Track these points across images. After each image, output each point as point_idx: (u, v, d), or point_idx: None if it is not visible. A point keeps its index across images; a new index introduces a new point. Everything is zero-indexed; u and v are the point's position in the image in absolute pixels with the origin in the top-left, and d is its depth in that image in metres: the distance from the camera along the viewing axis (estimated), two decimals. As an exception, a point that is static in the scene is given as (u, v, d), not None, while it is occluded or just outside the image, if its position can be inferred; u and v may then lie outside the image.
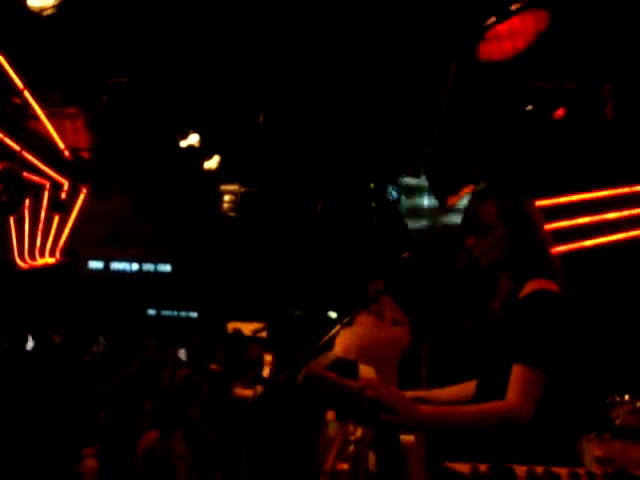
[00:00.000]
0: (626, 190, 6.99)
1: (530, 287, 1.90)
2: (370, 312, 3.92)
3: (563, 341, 1.87)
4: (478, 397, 2.00)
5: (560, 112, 5.56)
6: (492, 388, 1.88)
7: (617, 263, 6.86)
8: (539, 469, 1.24)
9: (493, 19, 3.26)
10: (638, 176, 6.66)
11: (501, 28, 3.38)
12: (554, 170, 6.45)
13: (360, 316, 3.84)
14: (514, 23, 3.36)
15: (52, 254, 10.84)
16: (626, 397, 5.23)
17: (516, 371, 1.81)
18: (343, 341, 3.73)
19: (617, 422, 5.17)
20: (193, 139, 7.67)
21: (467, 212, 2.07)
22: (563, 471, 1.24)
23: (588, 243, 7.11)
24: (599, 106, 5.05)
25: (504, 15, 3.24)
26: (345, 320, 2.37)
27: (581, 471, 1.23)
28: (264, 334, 9.66)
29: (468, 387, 2.13)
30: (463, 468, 1.26)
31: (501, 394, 1.81)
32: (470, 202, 2.10)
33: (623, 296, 6.79)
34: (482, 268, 2.06)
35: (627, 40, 4.55)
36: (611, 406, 5.28)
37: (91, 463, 3.78)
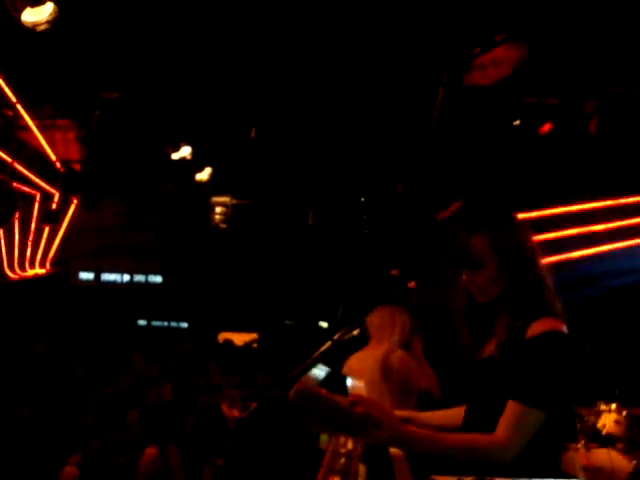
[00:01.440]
0: (613, 202, 7.11)
1: (539, 326, 1.83)
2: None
3: (570, 384, 1.83)
4: (466, 426, 2.00)
5: (546, 127, 5.65)
6: (480, 421, 1.88)
7: (605, 272, 6.96)
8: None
9: (477, 50, 3.37)
10: (624, 189, 6.78)
11: (485, 57, 3.49)
12: (540, 183, 6.56)
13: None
14: (497, 53, 3.47)
15: (42, 265, 10.82)
16: (613, 406, 5.28)
17: (512, 408, 1.77)
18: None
19: (604, 431, 5.22)
20: (185, 151, 7.71)
21: (458, 245, 1.98)
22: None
23: (575, 254, 7.21)
24: (583, 121, 5.16)
25: (488, 45, 3.34)
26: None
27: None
28: (256, 345, 9.70)
29: (455, 413, 2.12)
30: (448, 482, 1.31)
31: (489, 426, 1.79)
32: (460, 233, 1.99)
33: (609, 306, 6.89)
34: (480, 305, 1.99)
35: (610, 57, 4.66)
36: (598, 415, 5.34)
37: (71, 471, 3.77)
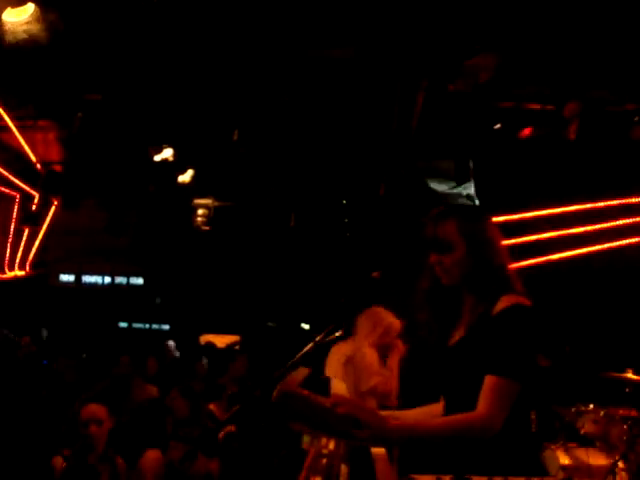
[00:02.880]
0: (591, 206, 7.22)
1: (504, 302, 1.93)
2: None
3: (535, 353, 1.93)
4: (447, 413, 2.02)
5: (526, 131, 5.72)
6: (460, 405, 1.91)
7: (582, 276, 7.06)
8: (498, 479, 1.32)
9: (459, 55, 3.43)
10: (603, 193, 6.88)
11: (466, 64, 3.55)
12: (521, 186, 6.64)
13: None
14: (478, 59, 3.53)
15: (22, 267, 10.70)
16: (591, 406, 5.35)
17: (490, 382, 1.83)
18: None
19: (582, 431, 5.29)
20: (167, 153, 7.68)
21: (428, 230, 2.09)
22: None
23: (554, 257, 7.31)
24: (562, 126, 5.24)
25: (470, 52, 3.40)
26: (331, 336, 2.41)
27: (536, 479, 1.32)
28: (238, 347, 9.66)
29: (436, 408, 2.14)
30: (428, 479, 1.34)
31: (469, 409, 1.83)
32: (431, 220, 2.10)
33: (586, 306, 6.98)
34: (445, 287, 2.08)
35: (590, 63, 4.74)
36: (576, 415, 5.41)
37: (58, 462, 3.77)
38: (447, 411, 2.04)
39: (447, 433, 1.82)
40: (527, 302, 1.94)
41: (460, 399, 1.95)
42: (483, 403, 1.81)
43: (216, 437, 4.37)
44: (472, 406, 1.83)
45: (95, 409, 3.80)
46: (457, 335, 2.06)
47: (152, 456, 3.73)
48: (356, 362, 3.87)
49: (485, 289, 1.99)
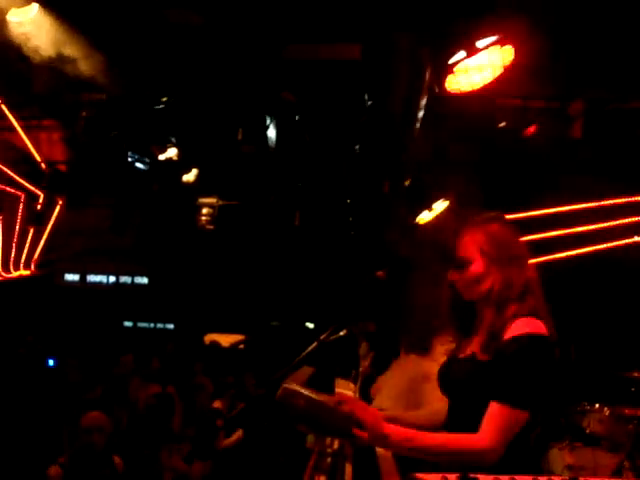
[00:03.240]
0: (597, 204, 7.19)
1: (518, 328, 1.85)
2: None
3: (548, 385, 1.84)
4: (449, 424, 2.02)
5: (531, 129, 5.70)
6: (464, 418, 1.90)
7: (589, 274, 7.04)
8: (504, 478, 1.32)
9: (462, 54, 3.41)
10: (609, 191, 6.86)
11: (469, 62, 3.53)
12: (526, 185, 6.62)
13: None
14: (482, 58, 3.51)
15: (27, 266, 10.73)
16: (596, 405, 5.34)
17: (494, 409, 1.79)
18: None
19: (588, 430, 5.28)
20: (171, 152, 7.68)
21: (448, 244, 2.04)
22: (527, 479, 1.32)
23: (560, 255, 7.29)
24: (567, 124, 5.22)
25: (472, 50, 3.39)
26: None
27: (543, 479, 1.31)
28: (242, 346, 9.69)
29: (442, 413, 2.11)
30: (434, 478, 1.33)
31: (472, 424, 1.81)
32: (449, 232, 2.07)
33: (593, 305, 6.96)
34: (462, 303, 2.03)
35: (596, 60, 4.71)
36: (582, 414, 5.40)
37: (54, 471, 3.77)
38: (449, 420, 2.03)
39: (444, 454, 1.78)
40: (543, 330, 1.86)
41: (464, 413, 1.94)
42: (487, 430, 1.78)
43: (215, 439, 4.38)
44: (474, 422, 1.80)
45: (97, 417, 3.79)
46: (469, 348, 2.03)
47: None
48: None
49: (504, 306, 1.92)
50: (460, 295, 2.03)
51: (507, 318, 1.90)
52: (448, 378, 2.07)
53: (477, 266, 1.96)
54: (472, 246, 1.98)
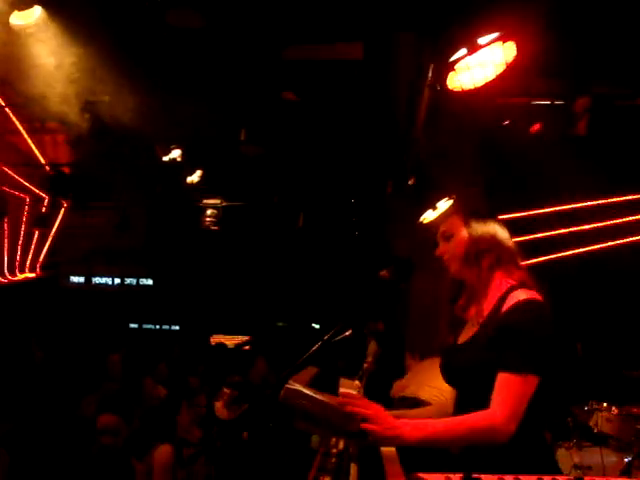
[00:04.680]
0: (603, 202, 7.16)
1: (514, 298, 1.89)
2: None
3: (551, 348, 1.86)
4: (458, 410, 2.01)
5: (536, 127, 5.66)
6: (473, 400, 1.88)
7: (595, 273, 7.00)
8: (508, 477, 1.30)
9: (463, 50, 3.39)
10: (614, 189, 6.83)
11: (471, 60, 3.51)
12: (531, 183, 6.59)
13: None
14: (484, 55, 3.50)
15: (32, 269, 10.77)
16: (604, 404, 5.31)
17: (501, 379, 1.78)
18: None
19: (596, 429, 5.25)
20: (175, 153, 7.69)
21: (436, 223, 2.14)
22: (531, 479, 1.30)
23: (566, 254, 7.26)
24: (572, 121, 5.19)
25: (473, 47, 3.37)
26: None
27: (547, 478, 1.30)
28: (248, 347, 9.67)
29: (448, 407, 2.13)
30: (437, 478, 1.31)
31: (482, 405, 1.78)
32: (438, 216, 2.17)
33: (600, 304, 6.93)
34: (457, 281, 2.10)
35: (600, 57, 4.69)
36: (590, 414, 5.37)
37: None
38: (458, 406, 2.03)
39: (458, 434, 1.75)
40: (538, 297, 1.90)
41: (471, 396, 1.93)
42: (497, 402, 1.75)
43: (220, 440, 4.38)
44: (484, 401, 1.78)
45: (109, 420, 3.78)
46: (469, 331, 2.04)
47: (163, 451, 3.72)
48: None
49: (490, 273, 1.99)
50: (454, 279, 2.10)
51: (494, 289, 1.96)
52: (451, 367, 2.07)
53: (460, 235, 2.06)
54: (455, 220, 2.08)
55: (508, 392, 1.76)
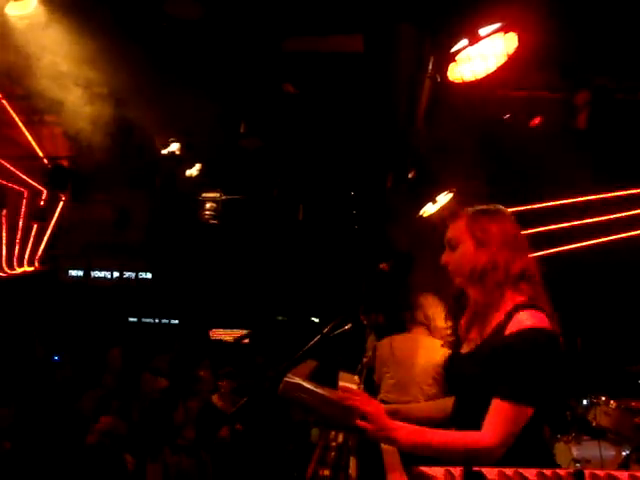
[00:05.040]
0: (604, 196, 7.14)
1: (519, 321, 1.82)
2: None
3: (550, 379, 1.81)
4: (454, 419, 2.01)
5: (536, 120, 5.64)
6: (469, 412, 1.88)
7: (595, 267, 7.00)
8: (509, 471, 1.29)
9: (464, 41, 3.36)
10: (615, 182, 6.81)
11: (472, 50, 3.48)
12: (533, 176, 6.57)
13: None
14: (485, 46, 3.46)
15: (31, 263, 10.75)
16: (603, 398, 5.32)
17: (496, 406, 1.76)
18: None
19: (594, 423, 5.26)
20: (174, 147, 7.66)
21: (443, 228, 2.06)
22: (532, 472, 1.29)
23: (567, 248, 7.25)
24: (572, 115, 5.16)
25: (474, 38, 3.34)
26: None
27: (548, 472, 1.29)
28: (247, 341, 9.68)
29: (445, 405, 2.13)
30: (437, 472, 1.31)
31: (477, 420, 1.78)
32: (445, 221, 2.08)
33: (599, 298, 6.93)
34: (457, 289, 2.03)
35: (601, 49, 4.66)
36: (588, 407, 5.38)
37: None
38: (453, 415, 2.02)
39: (448, 450, 1.76)
40: (545, 324, 1.82)
41: (468, 408, 1.93)
42: (489, 427, 1.75)
43: (217, 433, 4.37)
44: (478, 417, 1.78)
45: (111, 423, 3.78)
46: (471, 343, 2.01)
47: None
48: None
49: (489, 285, 1.91)
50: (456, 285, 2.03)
51: (499, 304, 1.90)
52: (452, 374, 2.07)
53: (466, 247, 1.96)
54: (463, 229, 1.99)
55: (501, 419, 1.75)
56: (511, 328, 1.82)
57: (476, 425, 1.78)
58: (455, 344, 2.10)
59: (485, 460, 1.69)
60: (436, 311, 3.88)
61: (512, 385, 1.76)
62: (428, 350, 3.83)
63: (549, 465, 1.76)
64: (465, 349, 2.03)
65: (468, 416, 1.87)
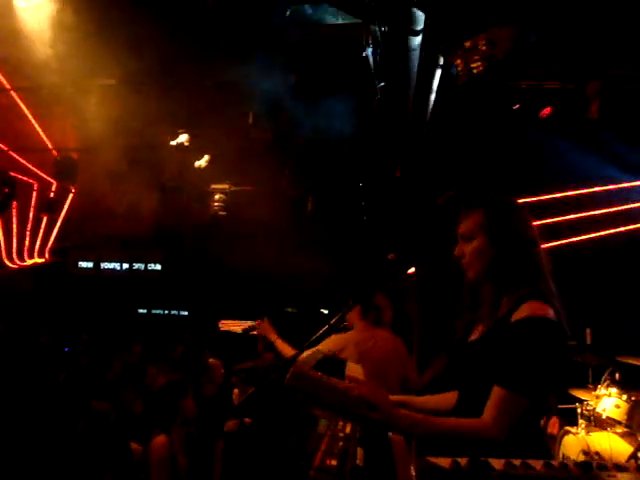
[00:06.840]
0: (613, 187, 7.10)
1: (525, 311, 1.85)
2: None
3: (552, 370, 1.84)
4: (458, 409, 2.03)
5: (546, 111, 5.60)
6: (473, 402, 1.90)
7: (606, 258, 6.97)
8: (516, 462, 1.30)
9: (475, 32, 3.34)
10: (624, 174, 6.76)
11: (483, 41, 3.45)
12: (540, 168, 6.54)
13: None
14: (494, 37, 3.43)
15: (41, 254, 10.83)
16: (613, 390, 5.30)
17: (497, 393, 1.80)
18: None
19: (604, 415, 5.24)
20: (182, 138, 7.66)
21: (456, 220, 2.08)
22: (538, 462, 1.30)
23: (576, 239, 7.22)
24: (584, 105, 5.12)
25: (481, 28, 3.32)
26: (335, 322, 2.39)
27: (555, 463, 1.29)
28: (256, 332, 9.67)
29: (449, 397, 2.15)
30: (444, 462, 1.31)
31: (480, 409, 1.81)
32: (459, 211, 2.09)
33: (609, 289, 6.90)
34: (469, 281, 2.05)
35: (612, 39, 4.61)
36: (598, 399, 5.36)
37: None
38: (458, 405, 2.04)
39: (451, 435, 1.79)
40: (550, 313, 1.85)
41: (472, 398, 1.94)
42: (489, 413, 1.79)
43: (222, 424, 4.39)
44: (481, 405, 1.81)
45: (103, 408, 3.81)
46: (477, 332, 2.04)
47: (158, 443, 3.73)
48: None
49: (508, 284, 1.93)
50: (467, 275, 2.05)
51: (508, 296, 1.92)
52: (457, 362, 2.08)
53: (479, 242, 1.99)
54: (475, 223, 2.01)
55: (503, 407, 1.78)
56: (516, 316, 1.86)
57: (480, 413, 1.81)
58: (463, 333, 2.11)
59: (486, 442, 1.74)
60: None
61: (516, 375, 1.79)
62: None
63: (544, 455, 1.78)
64: (472, 338, 2.05)
65: (472, 404, 1.88)
